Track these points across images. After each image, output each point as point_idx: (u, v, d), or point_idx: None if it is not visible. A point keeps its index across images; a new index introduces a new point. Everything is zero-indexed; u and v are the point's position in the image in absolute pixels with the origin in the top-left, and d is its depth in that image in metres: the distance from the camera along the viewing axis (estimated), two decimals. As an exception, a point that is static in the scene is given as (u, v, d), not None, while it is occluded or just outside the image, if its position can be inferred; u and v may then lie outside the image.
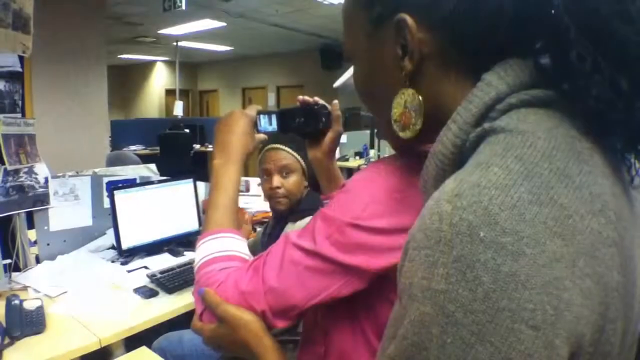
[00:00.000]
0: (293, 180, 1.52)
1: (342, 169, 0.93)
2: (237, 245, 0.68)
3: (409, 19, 0.44)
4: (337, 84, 3.57)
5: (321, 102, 0.83)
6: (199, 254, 0.67)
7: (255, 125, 0.81)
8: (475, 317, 0.32)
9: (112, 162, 3.25)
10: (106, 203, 2.00)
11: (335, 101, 0.85)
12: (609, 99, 0.36)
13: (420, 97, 0.47)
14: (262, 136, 0.81)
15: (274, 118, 0.82)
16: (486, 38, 0.43)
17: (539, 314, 0.31)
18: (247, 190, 3.02)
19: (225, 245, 0.66)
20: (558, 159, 0.36)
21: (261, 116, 0.82)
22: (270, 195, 1.54)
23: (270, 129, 0.83)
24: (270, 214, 2.51)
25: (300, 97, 0.85)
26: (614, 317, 0.36)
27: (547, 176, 0.35)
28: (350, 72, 2.37)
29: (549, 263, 0.32)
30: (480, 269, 0.32)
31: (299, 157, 1.53)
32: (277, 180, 1.51)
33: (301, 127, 0.83)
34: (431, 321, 0.33)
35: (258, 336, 0.58)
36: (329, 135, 0.84)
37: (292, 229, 1.57)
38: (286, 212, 1.55)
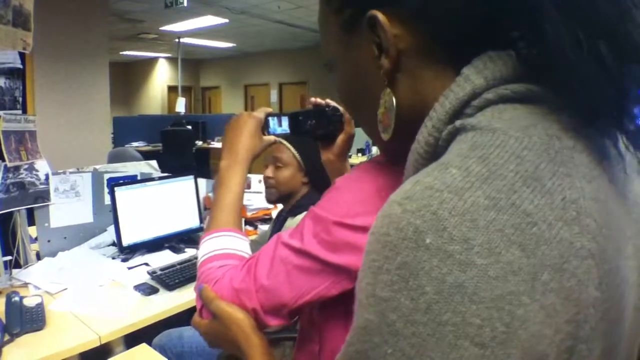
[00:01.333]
0: (285, 173, 1.60)
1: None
2: (238, 243, 0.69)
3: (380, 15, 0.41)
4: None
5: (333, 104, 0.83)
6: (201, 252, 0.68)
7: (263, 127, 0.81)
8: (416, 329, 0.30)
9: (113, 159, 3.25)
10: (107, 200, 2.00)
11: None
12: (592, 72, 0.33)
13: (394, 97, 0.44)
14: (271, 138, 0.82)
15: (284, 120, 0.83)
16: (462, 27, 0.39)
17: (486, 330, 0.29)
18: (249, 187, 3.01)
19: (226, 244, 0.68)
20: (528, 160, 0.32)
21: (270, 118, 0.82)
22: (264, 184, 1.66)
23: (279, 130, 0.83)
24: (270, 212, 2.53)
25: (312, 99, 0.85)
26: (587, 337, 0.33)
27: (512, 179, 0.31)
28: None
29: (503, 275, 0.29)
30: (423, 277, 0.30)
31: (295, 152, 1.59)
32: (269, 170, 1.63)
33: (313, 129, 0.83)
34: (374, 329, 0.32)
35: (246, 334, 0.58)
36: (341, 137, 0.84)
37: (291, 223, 1.58)
38: (275, 202, 1.70)
